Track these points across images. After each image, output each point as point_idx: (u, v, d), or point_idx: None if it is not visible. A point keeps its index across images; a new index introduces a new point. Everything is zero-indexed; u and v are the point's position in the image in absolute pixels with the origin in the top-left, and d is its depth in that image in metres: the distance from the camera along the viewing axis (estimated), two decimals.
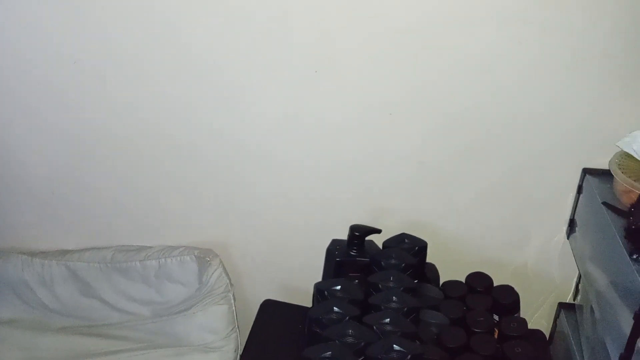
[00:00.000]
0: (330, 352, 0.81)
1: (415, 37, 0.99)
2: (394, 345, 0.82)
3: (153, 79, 1.08)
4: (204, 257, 1.16)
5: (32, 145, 1.18)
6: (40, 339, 1.17)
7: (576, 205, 1.07)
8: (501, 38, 0.97)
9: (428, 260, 1.07)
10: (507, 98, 1.02)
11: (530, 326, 1.16)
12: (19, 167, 1.20)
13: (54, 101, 1.13)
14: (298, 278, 1.21)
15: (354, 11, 0.98)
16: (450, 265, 1.10)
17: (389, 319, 0.88)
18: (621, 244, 0.83)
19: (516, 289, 1.03)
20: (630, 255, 0.81)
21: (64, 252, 1.22)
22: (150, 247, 1.20)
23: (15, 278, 1.20)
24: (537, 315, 1.21)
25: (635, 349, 0.78)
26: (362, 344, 0.84)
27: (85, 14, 1.03)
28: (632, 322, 0.77)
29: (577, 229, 1.06)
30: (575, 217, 1.07)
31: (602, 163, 1.01)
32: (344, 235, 1.06)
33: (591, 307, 0.96)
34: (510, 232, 1.15)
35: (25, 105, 1.14)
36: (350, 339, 0.84)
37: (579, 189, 1.05)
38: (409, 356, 0.81)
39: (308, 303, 1.07)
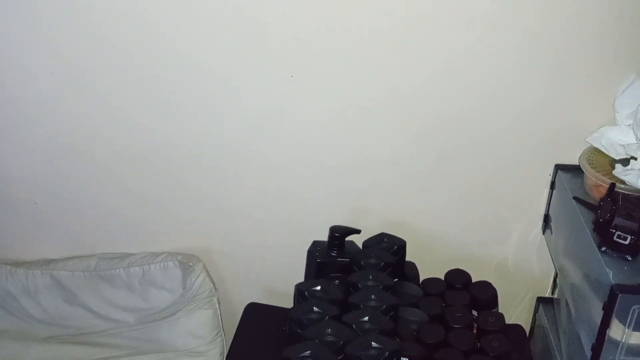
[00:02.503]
0: (309, 352, 0.82)
1: (389, 40, 1.01)
2: (372, 343, 0.83)
3: (135, 84, 1.08)
4: (187, 262, 1.17)
5: (13, 154, 1.17)
6: (27, 349, 1.17)
7: (550, 201, 1.09)
8: (471, 39, 0.99)
9: (409, 258, 1.08)
10: (479, 99, 1.05)
11: (512, 321, 1.18)
12: (0, 177, 1.20)
13: (34, 110, 1.13)
14: (281, 280, 1.22)
15: (327, 16, 0.99)
16: (430, 263, 1.12)
17: (367, 317, 0.89)
18: (591, 237, 0.86)
19: (497, 284, 1.05)
20: (599, 247, 0.83)
21: (48, 262, 1.22)
22: (133, 254, 1.20)
23: None
24: (518, 310, 1.23)
25: (606, 339, 0.80)
26: (341, 342, 0.85)
27: (70, 18, 1.03)
28: (602, 313, 0.78)
29: (551, 224, 1.08)
30: (550, 212, 1.09)
31: (573, 159, 1.03)
32: (324, 236, 1.08)
33: (566, 301, 0.98)
34: (489, 229, 1.17)
35: (5, 114, 1.14)
36: (329, 338, 0.86)
37: (552, 185, 1.08)
38: (387, 353, 0.82)
39: (291, 304, 1.08)
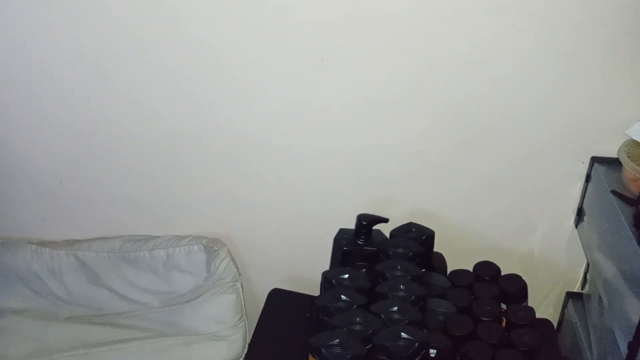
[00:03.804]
0: (337, 340, 0.81)
1: (416, 27, 0.99)
2: (402, 333, 0.82)
3: (158, 73, 1.09)
4: (211, 246, 1.16)
5: (40, 138, 1.19)
6: (50, 329, 1.18)
7: (584, 194, 1.06)
8: (501, 27, 0.96)
9: (435, 249, 1.07)
10: (511, 87, 1.02)
11: (537, 315, 1.16)
12: (27, 159, 1.21)
13: (60, 95, 1.14)
14: (304, 267, 1.22)
15: (355, 2, 0.97)
16: (457, 254, 1.10)
17: (396, 307, 0.88)
18: (630, 232, 0.83)
19: (523, 277, 1.03)
20: (639, 243, 0.80)
21: (73, 242, 1.23)
22: (158, 237, 1.20)
23: (24, 268, 1.21)
24: (544, 303, 1.21)
25: None
26: (370, 331, 0.84)
27: (90, 8, 1.04)
28: None
29: (585, 217, 1.05)
30: (584, 205, 1.07)
31: (610, 151, 1.00)
32: (349, 224, 1.06)
33: (599, 296, 0.96)
34: (516, 220, 1.15)
35: (33, 99, 1.15)
36: (357, 327, 0.84)
37: (587, 178, 1.05)
38: (417, 344, 0.81)
39: (315, 292, 1.07)
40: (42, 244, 1.23)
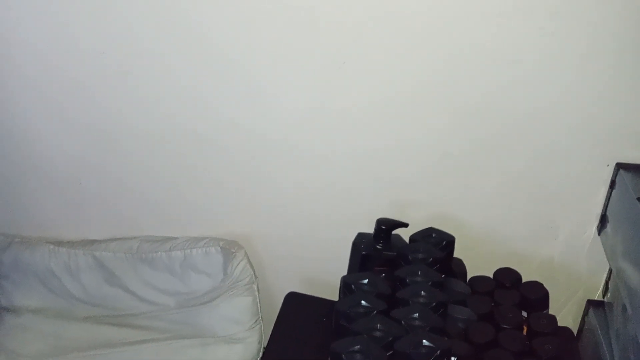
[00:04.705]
0: (358, 346, 0.80)
1: (441, 28, 0.97)
2: (423, 341, 0.81)
3: (177, 73, 1.09)
4: (229, 248, 1.16)
5: (59, 137, 1.19)
6: (66, 328, 1.19)
7: (608, 201, 1.04)
8: (528, 28, 0.95)
9: (455, 254, 1.06)
10: (535, 88, 1.00)
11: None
12: (46, 158, 1.21)
13: (80, 94, 1.14)
14: (321, 270, 1.21)
15: (378, 3, 0.97)
16: (476, 259, 1.09)
17: (417, 314, 0.87)
18: None
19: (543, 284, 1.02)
20: None
21: (91, 242, 1.23)
22: (175, 238, 1.20)
23: (42, 267, 1.22)
24: (563, 311, 1.20)
25: None
26: (391, 338, 0.83)
27: (109, 8, 1.04)
28: None
29: (608, 224, 1.04)
30: (607, 212, 1.05)
31: (636, 157, 0.99)
32: (367, 228, 1.05)
33: (623, 305, 0.94)
34: (537, 226, 1.13)
35: (52, 98, 1.15)
36: (378, 333, 0.84)
37: (612, 184, 1.03)
38: (438, 351, 0.80)
39: (331, 296, 1.07)
40: (60, 243, 1.23)
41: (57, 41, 1.09)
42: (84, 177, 1.22)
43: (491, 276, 1.04)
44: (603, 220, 1.07)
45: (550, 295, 1.02)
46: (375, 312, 0.88)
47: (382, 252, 1.02)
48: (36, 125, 1.19)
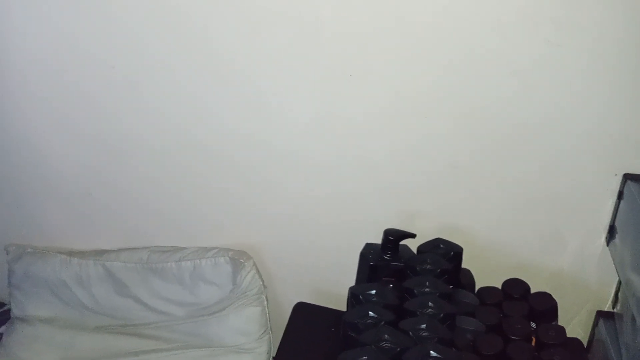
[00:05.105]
0: (366, 357, 0.80)
1: (448, 38, 0.98)
2: (431, 352, 0.81)
3: (185, 86, 1.10)
4: (237, 258, 1.17)
5: (69, 150, 1.20)
6: (77, 338, 1.20)
7: (616, 211, 1.04)
8: (533, 39, 0.95)
9: (462, 265, 1.06)
10: (543, 99, 1.01)
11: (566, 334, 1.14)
12: (57, 170, 1.23)
13: (89, 108, 1.16)
14: (329, 281, 1.21)
15: (385, 13, 0.98)
16: (484, 270, 1.09)
17: (425, 325, 0.87)
18: None
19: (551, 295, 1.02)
20: None
21: (101, 252, 1.24)
22: (185, 249, 1.21)
23: (53, 277, 1.23)
24: (573, 322, 1.19)
25: None
26: (398, 349, 0.83)
27: (116, 21, 1.06)
28: None
29: (617, 235, 1.03)
30: (616, 223, 1.05)
31: None
32: (375, 238, 1.06)
33: (632, 316, 0.94)
34: (546, 237, 1.13)
35: (63, 112, 1.17)
36: (386, 344, 0.84)
37: (620, 195, 1.03)
38: None
39: (340, 305, 1.07)
40: (71, 253, 1.24)
41: (67, 56, 1.11)
42: (94, 189, 1.23)
43: (499, 287, 1.04)
44: (611, 231, 1.06)
45: (559, 306, 1.01)
46: (383, 323, 0.88)
47: (390, 263, 1.02)
48: (47, 138, 1.21)
